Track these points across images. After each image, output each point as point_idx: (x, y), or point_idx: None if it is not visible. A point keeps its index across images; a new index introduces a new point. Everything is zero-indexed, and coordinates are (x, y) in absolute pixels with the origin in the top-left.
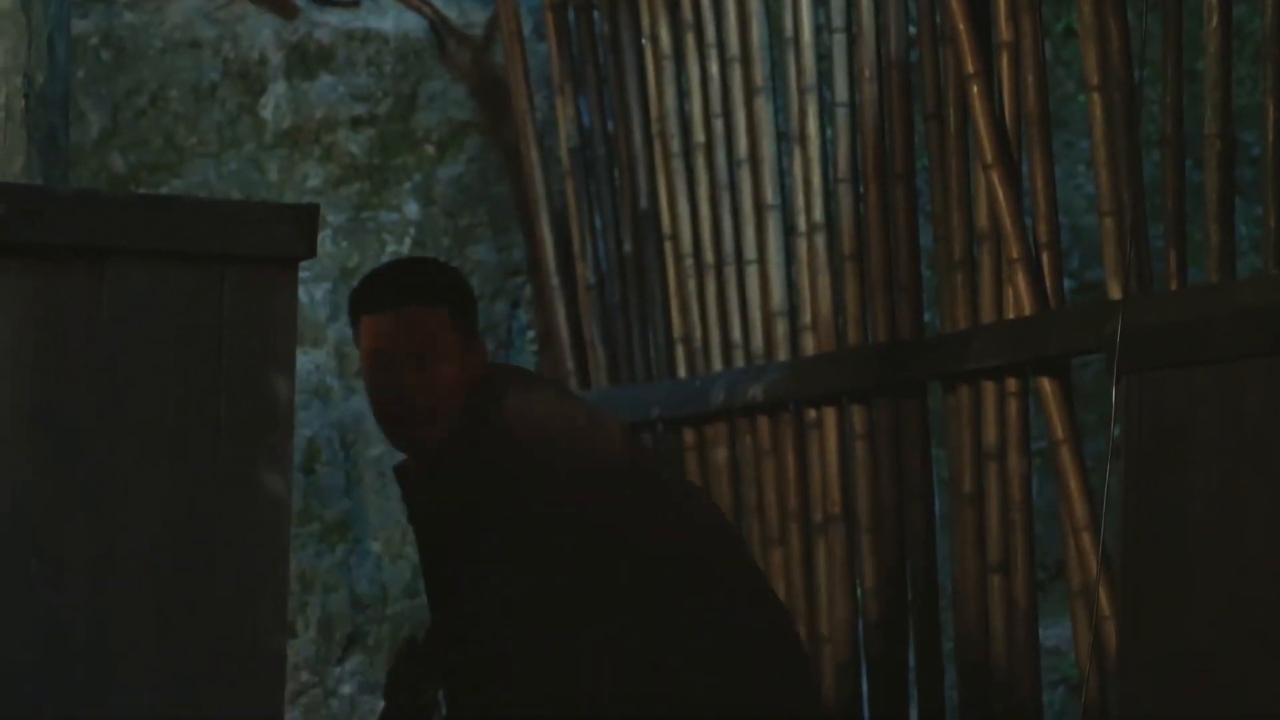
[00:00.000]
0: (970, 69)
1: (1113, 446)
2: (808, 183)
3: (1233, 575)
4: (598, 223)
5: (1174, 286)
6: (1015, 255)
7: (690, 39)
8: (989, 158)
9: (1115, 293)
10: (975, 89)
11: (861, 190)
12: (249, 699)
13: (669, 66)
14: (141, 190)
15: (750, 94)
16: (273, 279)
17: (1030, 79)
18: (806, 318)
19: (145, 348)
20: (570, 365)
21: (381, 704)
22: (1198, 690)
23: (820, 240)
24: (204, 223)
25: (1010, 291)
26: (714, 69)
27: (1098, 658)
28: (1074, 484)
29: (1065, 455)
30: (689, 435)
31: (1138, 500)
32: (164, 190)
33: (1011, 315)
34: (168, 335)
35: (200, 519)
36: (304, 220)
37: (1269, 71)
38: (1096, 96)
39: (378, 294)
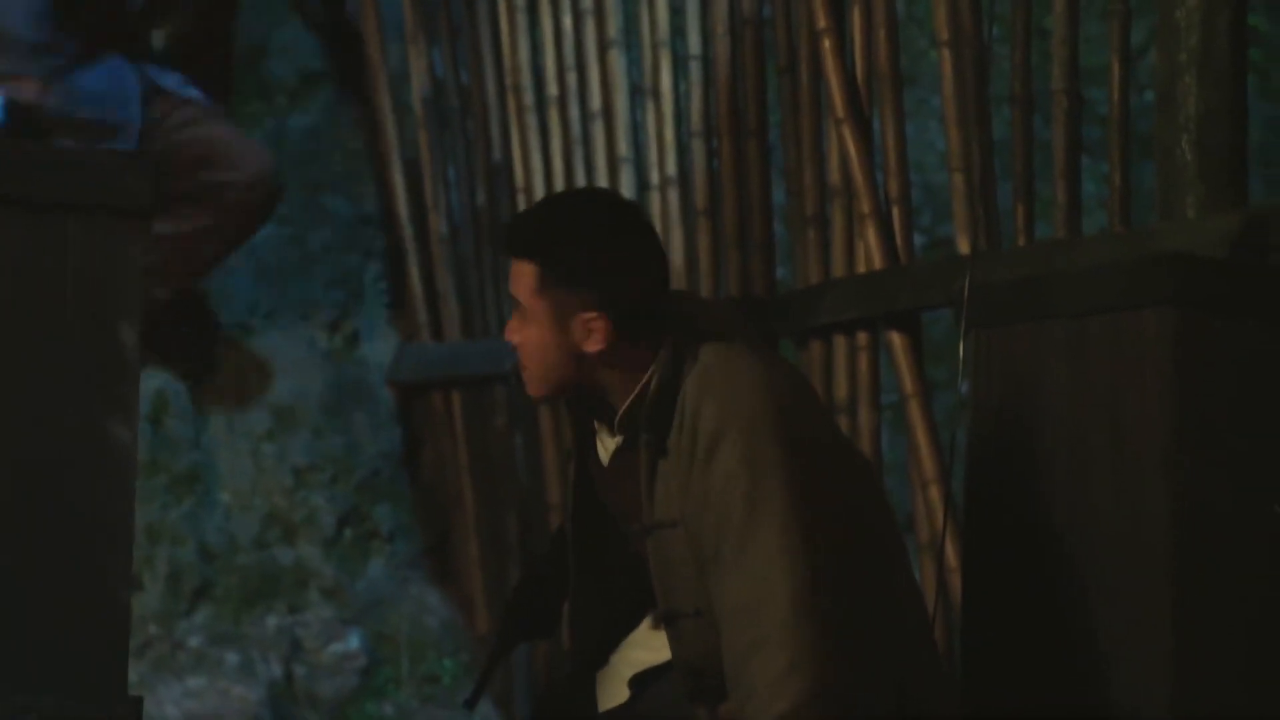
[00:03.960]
0: (822, 24)
1: (961, 401)
2: (661, 137)
3: (1077, 529)
4: (451, 174)
5: (1022, 242)
6: (866, 211)
7: None
8: (840, 113)
9: (964, 248)
10: (827, 44)
11: (714, 145)
12: (94, 651)
13: (522, 19)
14: None
15: (603, 47)
16: (119, 229)
17: (882, 35)
18: None
19: None
20: (423, 317)
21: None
22: (1041, 644)
23: (673, 195)
24: (47, 171)
25: (861, 247)
26: (567, 22)
27: (944, 611)
28: (923, 438)
29: (915, 409)
30: None
31: (984, 454)
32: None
33: (863, 270)
34: (10, 284)
35: (45, 469)
36: (150, 171)
37: (1115, 29)
38: (947, 53)
39: (504, 235)
